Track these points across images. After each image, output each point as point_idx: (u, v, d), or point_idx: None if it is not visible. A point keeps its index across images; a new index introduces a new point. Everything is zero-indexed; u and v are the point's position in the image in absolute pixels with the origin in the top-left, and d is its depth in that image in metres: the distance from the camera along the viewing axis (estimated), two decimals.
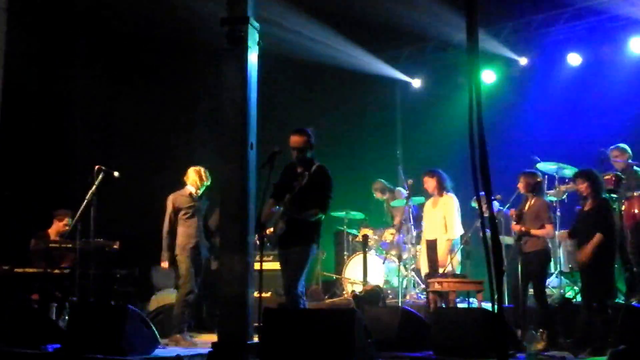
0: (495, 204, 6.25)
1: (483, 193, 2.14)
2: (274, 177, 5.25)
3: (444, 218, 6.68)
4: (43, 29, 7.97)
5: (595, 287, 5.41)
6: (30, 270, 6.14)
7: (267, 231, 5.03)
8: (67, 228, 6.68)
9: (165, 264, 6.37)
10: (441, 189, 6.75)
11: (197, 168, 6.51)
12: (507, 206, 6.21)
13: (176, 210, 6.36)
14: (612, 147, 6.78)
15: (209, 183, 6.51)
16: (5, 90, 6.91)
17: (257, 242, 4.97)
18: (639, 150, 7.05)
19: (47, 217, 7.12)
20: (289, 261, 5.08)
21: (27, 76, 7.71)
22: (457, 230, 6.70)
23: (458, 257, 6.72)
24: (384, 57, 10.08)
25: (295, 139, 5.19)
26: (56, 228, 6.82)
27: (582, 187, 5.60)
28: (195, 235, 6.33)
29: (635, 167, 6.81)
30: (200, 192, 6.50)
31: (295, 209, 4.99)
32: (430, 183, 6.80)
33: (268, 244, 5.22)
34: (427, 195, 7.14)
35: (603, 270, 5.39)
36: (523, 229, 5.81)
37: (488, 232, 2.14)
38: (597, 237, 5.34)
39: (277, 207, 5.08)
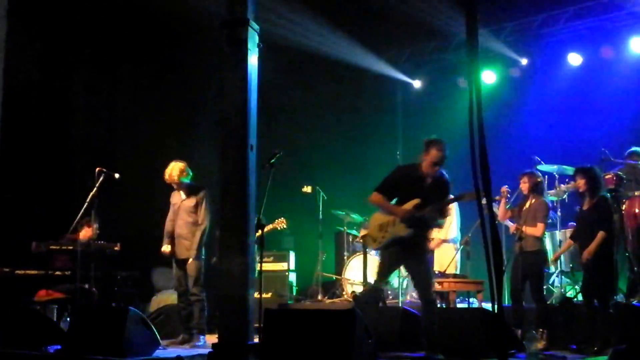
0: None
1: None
2: (274, 178, 5.25)
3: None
4: (44, 31, 7.98)
5: (596, 284, 5.41)
6: (31, 272, 6.16)
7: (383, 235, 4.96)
8: (96, 232, 6.60)
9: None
10: None
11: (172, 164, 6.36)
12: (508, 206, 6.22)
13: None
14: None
15: (175, 179, 6.27)
16: (6, 93, 6.91)
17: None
18: None
19: (46, 218, 7.14)
20: (418, 265, 5.00)
21: (27, 79, 7.73)
22: (452, 232, 6.70)
23: (457, 257, 6.73)
24: (384, 58, 10.11)
25: (438, 155, 4.96)
26: (85, 233, 6.58)
27: (580, 183, 5.59)
28: (167, 235, 6.28)
29: None
30: (175, 188, 6.34)
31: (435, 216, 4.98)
32: None
33: (373, 250, 5.13)
34: None
35: (604, 268, 5.38)
36: (520, 228, 5.82)
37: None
38: (600, 235, 5.35)
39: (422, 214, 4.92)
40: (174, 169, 6.29)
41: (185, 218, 6.24)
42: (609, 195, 5.79)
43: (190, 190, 6.32)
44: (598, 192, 5.55)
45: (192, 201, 6.27)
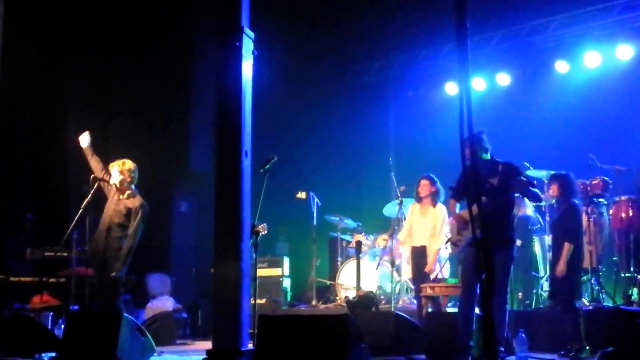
0: None
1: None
2: (268, 184, 5.30)
3: (434, 228, 6.74)
4: (40, 35, 8.00)
5: (561, 290, 5.42)
6: (26, 279, 6.16)
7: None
8: None
9: None
10: (436, 199, 6.81)
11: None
12: None
13: None
14: None
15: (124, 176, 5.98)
16: (1, 98, 6.92)
17: None
18: (630, 155, 7.20)
19: (41, 225, 7.14)
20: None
21: (22, 84, 7.74)
22: (444, 240, 6.76)
23: (447, 263, 6.82)
24: (376, 65, 10.20)
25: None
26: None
27: (553, 188, 5.57)
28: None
29: None
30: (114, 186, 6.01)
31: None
32: (426, 189, 6.79)
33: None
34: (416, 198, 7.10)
35: (568, 275, 5.35)
36: None
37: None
38: (566, 247, 5.34)
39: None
40: (126, 165, 5.95)
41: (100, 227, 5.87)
42: (579, 202, 5.71)
43: (129, 196, 5.95)
44: (568, 198, 5.50)
45: (125, 206, 5.90)
